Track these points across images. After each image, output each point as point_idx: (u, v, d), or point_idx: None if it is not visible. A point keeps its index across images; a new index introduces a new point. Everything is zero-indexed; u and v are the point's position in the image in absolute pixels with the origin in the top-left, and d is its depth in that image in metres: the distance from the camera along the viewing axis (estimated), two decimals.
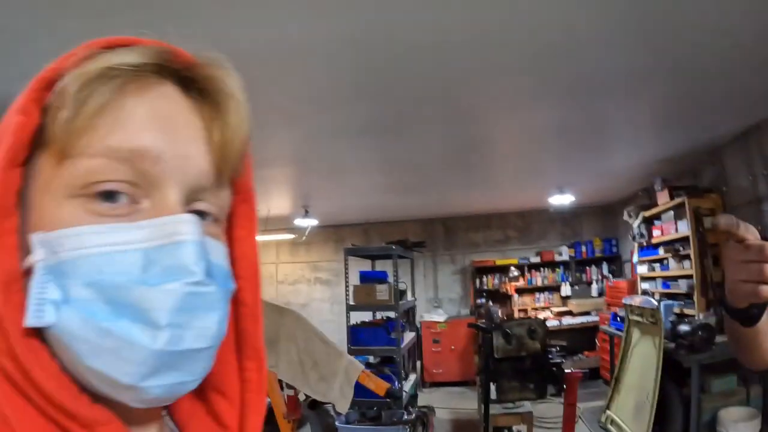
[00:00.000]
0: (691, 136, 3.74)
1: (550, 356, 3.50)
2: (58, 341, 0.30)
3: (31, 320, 0.29)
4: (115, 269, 0.30)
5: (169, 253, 0.31)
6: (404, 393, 3.91)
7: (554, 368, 3.42)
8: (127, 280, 0.30)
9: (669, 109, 3.14)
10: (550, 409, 4.22)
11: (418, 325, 6.08)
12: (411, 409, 4.04)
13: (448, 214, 7.27)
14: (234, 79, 0.36)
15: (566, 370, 3.41)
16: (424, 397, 5.45)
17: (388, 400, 3.44)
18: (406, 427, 3.67)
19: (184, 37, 0.36)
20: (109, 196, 0.31)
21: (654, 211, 4.72)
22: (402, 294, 4.32)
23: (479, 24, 1.96)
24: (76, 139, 0.30)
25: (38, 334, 0.30)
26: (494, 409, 3.51)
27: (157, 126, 0.32)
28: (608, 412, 4.04)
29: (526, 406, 3.59)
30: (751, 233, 0.62)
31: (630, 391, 3.78)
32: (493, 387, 3.44)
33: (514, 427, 3.65)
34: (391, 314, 4.26)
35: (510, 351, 3.32)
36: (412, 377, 4.65)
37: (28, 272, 0.31)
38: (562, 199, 5.48)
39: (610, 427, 3.96)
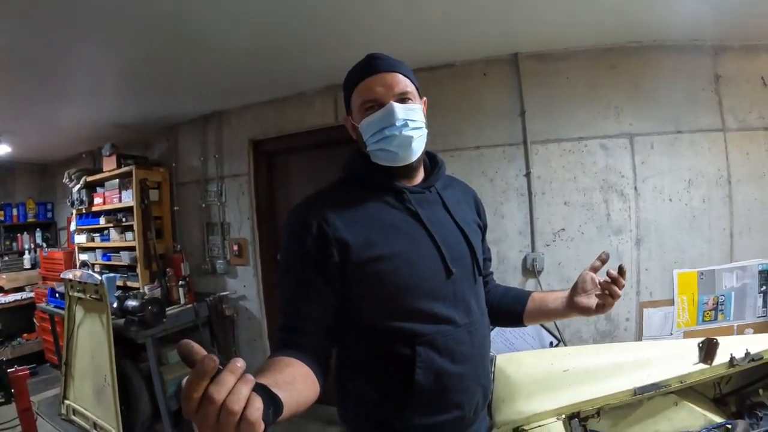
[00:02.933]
0: (151, 108, 3.75)
1: None
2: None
3: None
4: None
5: None
6: None
7: None
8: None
9: (135, 77, 3.01)
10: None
11: None
12: None
13: None
14: None
15: (8, 370, 2.87)
16: None
17: None
18: None
19: None
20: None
21: (98, 176, 4.45)
22: None
23: None
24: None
25: None
26: None
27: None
28: (67, 401, 3.68)
29: None
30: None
31: (85, 375, 3.53)
32: None
33: None
34: None
35: None
36: None
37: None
38: None
39: (74, 417, 3.63)
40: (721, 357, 1.12)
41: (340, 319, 1.07)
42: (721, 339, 1.15)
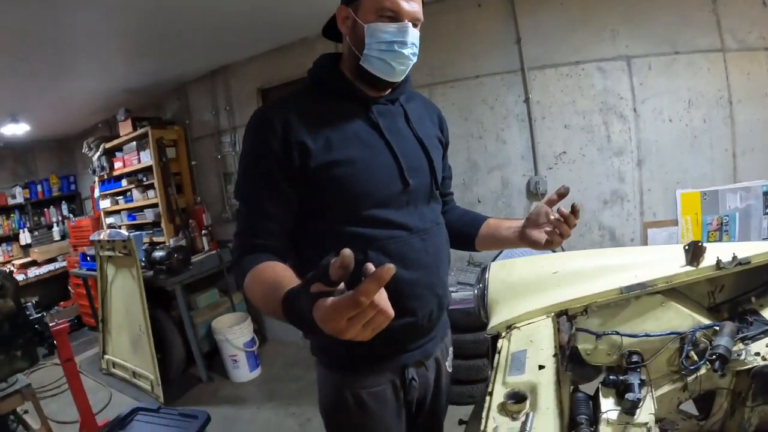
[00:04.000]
0: (159, 70, 3.84)
1: (28, 313, 3.09)
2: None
3: None
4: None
5: None
6: None
7: (37, 326, 3.05)
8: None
9: (142, 41, 3.09)
10: (48, 374, 3.79)
11: None
12: None
13: None
14: None
15: (50, 324, 3.11)
16: None
17: None
18: None
19: None
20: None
21: (116, 142, 4.62)
22: None
23: None
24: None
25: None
26: None
27: None
28: (106, 356, 3.94)
29: (21, 380, 3.03)
30: None
31: (121, 329, 3.75)
32: None
33: (19, 409, 3.04)
34: None
35: None
36: None
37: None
38: (16, 129, 4.62)
39: (114, 370, 3.90)
40: (709, 261, 1.13)
41: (299, 224, 1.10)
42: (709, 245, 1.17)
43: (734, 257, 1.10)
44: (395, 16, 1.04)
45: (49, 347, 3.07)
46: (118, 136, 4.60)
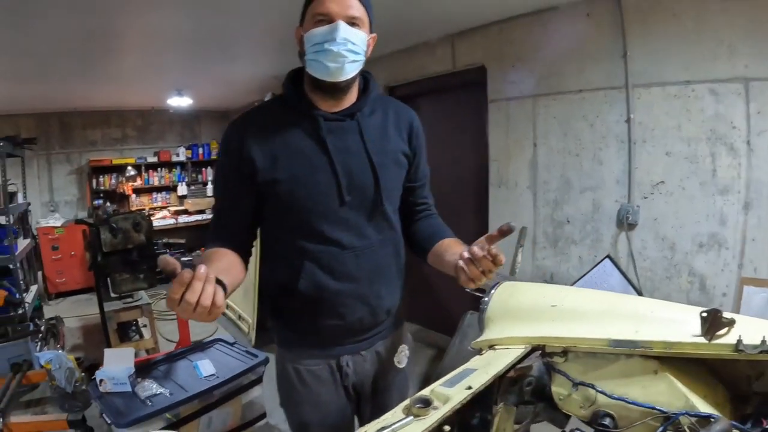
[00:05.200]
0: (298, 62, 4.30)
1: (156, 248, 3.73)
2: None
3: None
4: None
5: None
6: (27, 305, 3.55)
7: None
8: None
9: (284, 37, 3.47)
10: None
11: (35, 232, 5.30)
12: (38, 322, 3.80)
13: (65, 109, 6.31)
14: None
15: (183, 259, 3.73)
16: (51, 309, 4.98)
17: (11, 313, 3.26)
18: (36, 339, 3.51)
19: None
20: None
21: None
22: (12, 197, 3.92)
23: None
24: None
25: None
26: (115, 305, 3.58)
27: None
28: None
29: (144, 298, 3.75)
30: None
31: None
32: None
33: (139, 320, 3.79)
34: (2, 220, 3.66)
35: (117, 244, 3.45)
36: (34, 288, 4.22)
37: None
38: (181, 101, 5.53)
39: (226, 310, 4.55)
40: (731, 338, 0.91)
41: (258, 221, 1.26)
42: (743, 318, 0.95)
43: (764, 341, 0.87)
44: (327, 18, 1.10)
45: (166, 277, 3.75)
46: None
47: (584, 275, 2.59)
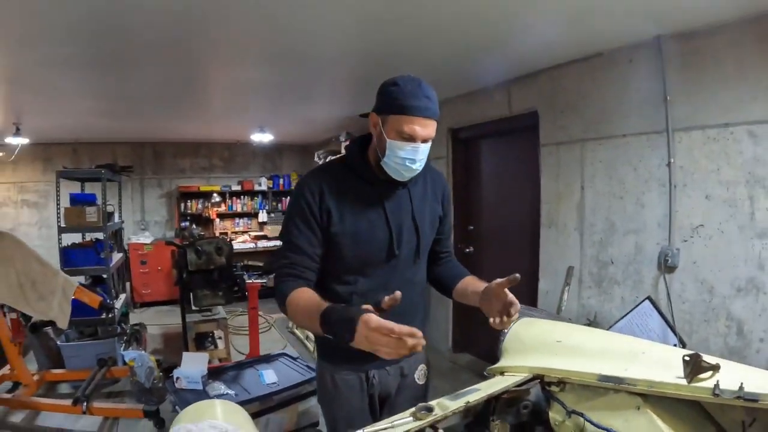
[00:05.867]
0: (370, 105, 4.60)
1: (234, 270, 4.21)
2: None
3: None
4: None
5: None
6: (116, 310, 4.18)
7: (238, 279, 4.16)
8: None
9: (359, 81, 3.83)
10: (244, 320, 4.92)
11: (126, 247, 6.10)
12: (124, 326, 4.46)
13: (158, 139, 7.20)
14: None
15: (247, 281, 4.19)
16: (136, 317, 5.64)
17: (102, 316, 3.77)
18: (121, 340, 4.09)
19: None
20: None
21: (339, 156, 5.69)
22: (110, 216, 4.55)
23: None
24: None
25: None
26: (195, 317, 4.08)
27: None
28: None
29: (221, 313, 4.23)
30: None
31: None
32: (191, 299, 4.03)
33: (215, 332, 4.27)
34: (100, 235, 4.41)
35: (201, 264, 3.94)
36: (123, 297, 4.92)
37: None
38: (263, 137, 6.11)
39: (295, 330, 5.15)
40: (710, 382, 0.98)
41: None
42: (728, 364, 1.02)
43: (740, 388, 0.91)
44: (411, 138, 1.32)
45: (241, 296, 4.23)
46: (341, 152, 5.61)
47: (624, 316, 2.63)
